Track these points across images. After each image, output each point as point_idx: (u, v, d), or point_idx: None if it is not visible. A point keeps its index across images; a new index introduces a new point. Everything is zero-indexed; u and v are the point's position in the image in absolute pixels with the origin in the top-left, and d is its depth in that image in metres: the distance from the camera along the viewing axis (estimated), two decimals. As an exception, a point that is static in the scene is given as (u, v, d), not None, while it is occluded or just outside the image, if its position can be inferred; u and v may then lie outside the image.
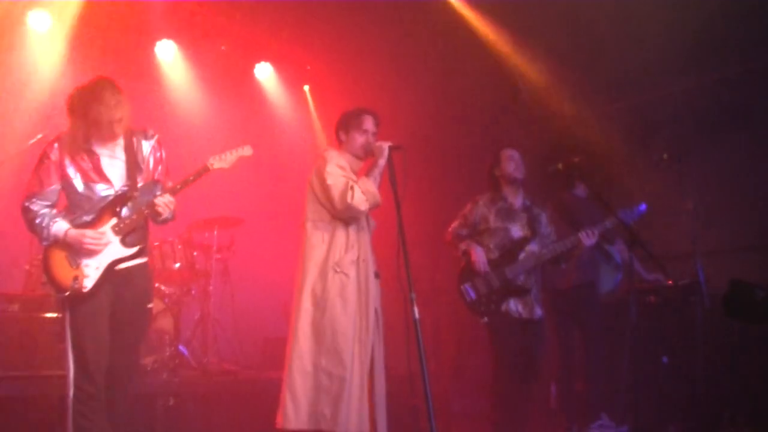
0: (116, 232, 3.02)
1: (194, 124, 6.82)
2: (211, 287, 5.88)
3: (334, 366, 3.31)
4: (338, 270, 3.41)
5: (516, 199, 4.18)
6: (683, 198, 4.12)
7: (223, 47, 6.62)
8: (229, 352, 5.92)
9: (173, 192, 3.11)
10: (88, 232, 2.96)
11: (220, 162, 3.22)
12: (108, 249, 3.00)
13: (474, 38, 6.03)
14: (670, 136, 5.50)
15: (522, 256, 4.03)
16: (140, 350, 3.25)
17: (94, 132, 3.01)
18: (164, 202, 3.05)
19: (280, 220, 6.67)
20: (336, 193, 3.40)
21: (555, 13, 5.47)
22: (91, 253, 2.96)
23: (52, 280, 2.98)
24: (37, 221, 3.01)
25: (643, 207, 4.04)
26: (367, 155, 3.60)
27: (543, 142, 6.44)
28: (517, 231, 4.09)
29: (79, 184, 3.03)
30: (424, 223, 6.35)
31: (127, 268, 3.06)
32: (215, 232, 5.96)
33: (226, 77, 7.03)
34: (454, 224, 4.24)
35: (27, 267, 4.99)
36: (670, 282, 4.36)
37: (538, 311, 4.04)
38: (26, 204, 3.06)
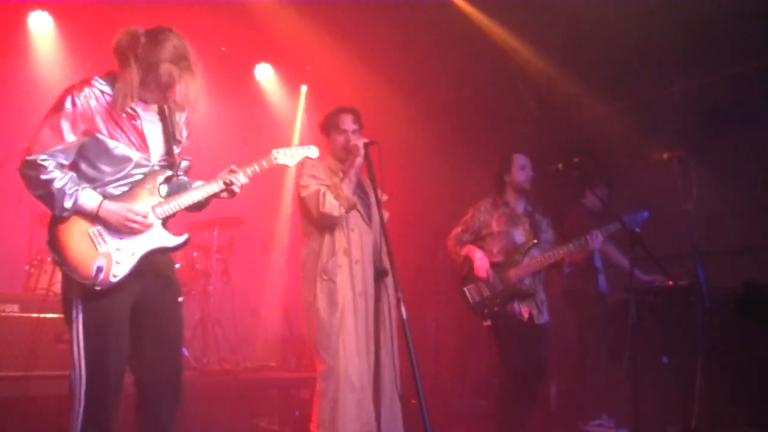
0: (158, 214, 2.51)
1: (194, 124, 6.82)
2: (211, 287, 5.88)
3: (329, 371, 3.32)
4: (325, 277, 3.44)
5: (518, 205, 4.18)
6: (683, 198, 4.11)
7: (223, 47, 6.62)
8: (229, 352, 5.92)
9: (248, 175, 2.68)
10: (135, 208, 2.44)
11: (284, 158, 2.81)
12: (149, 233, 2.49)
13: (473, 39, 6.03)
14: (670, 136, 5.50)
15: (526, 260, 4.01)
16: (182, 356, 2.68)
17: (150, 88, 2.52)
18: (243, 182, 2.64)
19: (280, 221, 6.67)
20: (310, 203, 3.46)
21: (555, 13, 5.47)
22: (128, 234, 2.43)
23: (67, 261, 2.35)
24: (57, 185, 2.33)
25: (645, 214, 4.08)
26: (347, 154, 3.60)
27: (542, 142, 6.44)
28: (520, 235, 4.08)
29: (111, 144, 2.43)
30: (424, 223, 6.35)
31: (154, 259, 2.54)
32: (215, 233, 5.96)
33: (226, 77, 7.03)
34: (456, 230, 4.21)
35: (27, 267, 4.99)
36: (670, 282, 4.36)
37: (545, 316, 4.04)
38: (34, 158, 2.35)
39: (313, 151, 3.04)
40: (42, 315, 4.48)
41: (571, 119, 6.48)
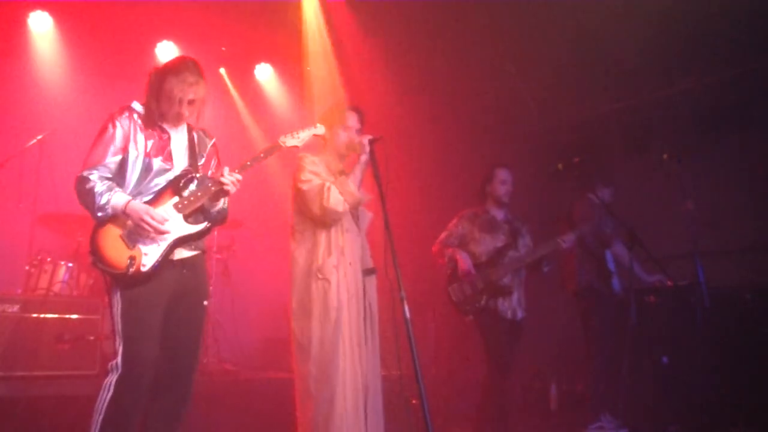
0: (179, 210, 2.81)
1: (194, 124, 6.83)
2: (211, 288, 5.87)
3: (321, 373, 3.27)
4: (320, 276, 3.37)
5: (498, 213, 4.45)
6: (683, 198, 4.12)
7: (223, 48, 6.62)
8: (229, 352, 5.92)
9: (243, 169, 2.90)
10: (152, 211, 2.73)
11: (292, 140, 3.04)
12: (170, 226, 2.76)
13: (474, 39, 6.04)
14: (670, 136, 5.51)
15: (505, 260, 4.25)
16: (201, 348, 2.98)
17: (165, 109, 2.87)
18: (232, 180, 2.85)
19: (280, 221, 6.67)
20: (312, 197, 3.38)
21: (555, 13, 5.47)
22: (148, 232, 2.71)
23: (103, 260, 2.68)
24: (96, 190, 2.72)
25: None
26: (349, 152, 3.56)
27: (542, 142, 6.45)
28: (500, 239, 4.34)
29: (145, 159, 2.82)
30: (423, 222, 6.35)
31: (191, 259, 2.87)
32: (215, 233, 5.96)
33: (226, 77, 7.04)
34: (442, 236, 4.46)
35: (27, 267, 4.99)
36: (670, 282, 4.36)
37: (520, 313, 4.25)
38: (84, 174, 2.76)
39: (319, 128, 3.16)
40: (42, 315, 4.48)
41: (571, 119, 6.48)
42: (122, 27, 6.00)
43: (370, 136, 3.42)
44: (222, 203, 2.97)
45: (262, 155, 2.98)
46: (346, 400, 3.25)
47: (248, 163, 2.94)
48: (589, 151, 5.33)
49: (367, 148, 3.38)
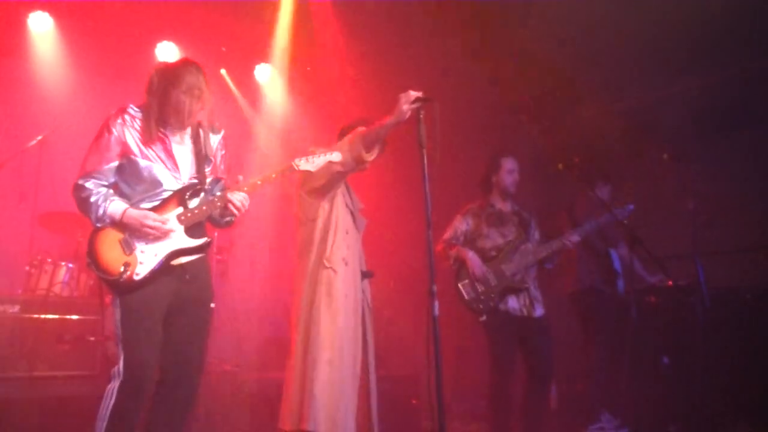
0: (181, 221, 2.77)
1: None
2: (211, 288, 5.87)
3: (308, 365, 3.26)
4: (327, 265, 3.34)
5: (505, 205, 4.31)
6: (683, 198, 4.12)
7: (223, 48, 6.61)
8: (229, 352, 5.91)
9: (252, 188, 2.87)
10: (152, 214, 2.71)
11: (307, 164, 2.97)
12: (170, 237, 2.75)
13: (474, 39, 6.03)
14: (670, 136, 5.51)
15: (518, 254, 4.12)
16: (206, 351, 3.02)
17: (167, 116, 2.80)
18: (240, 199, 2.84)
19: (280, 221, 6.67)
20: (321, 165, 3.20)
21: (555, 12, 5.46)
22: (148, 237, 2.69)
23: (98, 264, 2.66)
24: (92, 199, 2.70)
25: (631, 206, 4.23)
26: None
27: (542, 142, 6.45)
28: (510, 232, 4.20)
29: (144, 165, 2.75)
30: (418, 220, 6.35)
31: (192, 263, 2.83)
32: (215, 233, 5.95)
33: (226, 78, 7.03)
34: (446, 235, 4.31)
35: (27, 267, 4.99)
36: (670, 282, 4.37)
37: (539, 309, 4.11)
38: (80, 182, 2.74)
39: (335, 156, 3.03)
40: (43, 316, 4.48)
41: (571, 119, 6.48)
42: (122, 27, 5.98)
43: (417, 94, 2.90)
44: (231, 218, 2.95)
45: (273, 175, 2.91)
46: (319, 393, 3.19)
47: (258, 182, 2.89)
48: (589, 151, 5.33)
49: (407, 114, 2.94)
